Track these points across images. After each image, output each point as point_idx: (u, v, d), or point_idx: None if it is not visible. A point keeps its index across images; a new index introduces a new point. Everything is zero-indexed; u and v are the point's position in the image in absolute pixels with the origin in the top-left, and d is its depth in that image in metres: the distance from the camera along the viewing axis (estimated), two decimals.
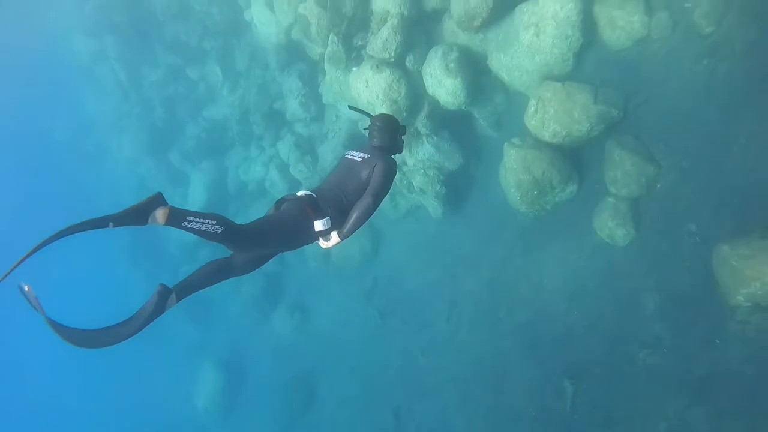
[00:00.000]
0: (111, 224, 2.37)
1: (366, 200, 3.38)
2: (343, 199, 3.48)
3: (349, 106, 4.52)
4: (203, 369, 15.62)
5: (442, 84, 9.13)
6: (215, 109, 15.70)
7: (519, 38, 8.30)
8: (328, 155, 11.99)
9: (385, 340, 11.15)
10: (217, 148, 15.77)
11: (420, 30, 9.70)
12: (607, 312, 7.50)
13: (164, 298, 2.84)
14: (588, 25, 7.80)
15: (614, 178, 7.36)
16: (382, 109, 9.44)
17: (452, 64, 8.97)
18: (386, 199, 10.26)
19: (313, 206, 3.32)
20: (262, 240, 3.16)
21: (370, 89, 9.56)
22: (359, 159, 3.64)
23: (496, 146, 9.08)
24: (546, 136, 7.96)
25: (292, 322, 13.79)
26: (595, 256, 7.83)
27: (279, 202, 3.43)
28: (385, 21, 9.39)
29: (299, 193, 3.43)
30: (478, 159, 9.84)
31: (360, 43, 10.08)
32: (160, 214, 2.51)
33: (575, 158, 8.09)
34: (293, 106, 12.56)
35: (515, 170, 8.17)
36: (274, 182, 13.75)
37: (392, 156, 3.77)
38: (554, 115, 7.80)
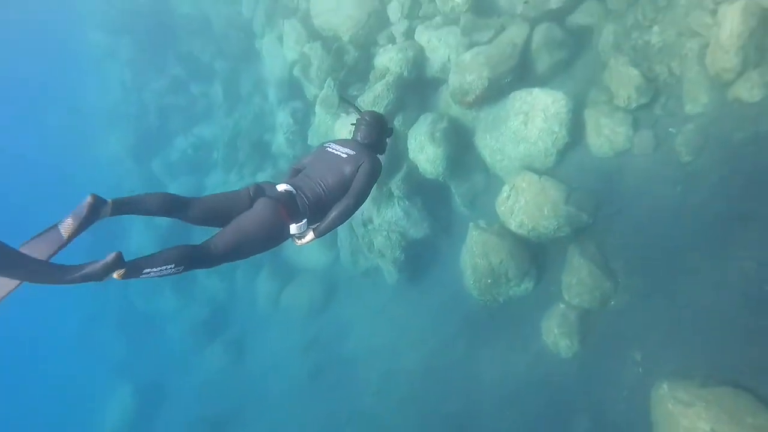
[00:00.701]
0: (69, 278, 2.29)
1: (347, 201, 3.21)
2: (323, 195, 3.26)
3: (341, 95, 4.25)
4: (119, 390, 14.61)
5: (424, 150, 8.98)
6: (207, 128, 15.63)
7: (507, 123, 8.23)
8: None
9: (310, 401, 10.44)
10: (199, 166, 15.54)
11: (416, 94, 9.67)
12: (538, 423, 6.96)
13: (99, 205, 2.50)
14: (576, 125, 7.75)
15: (569, 284, 7.03)
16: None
17: (438, 134, 8.86)
18: (347, 253, 9.84)
19: (289, 208, 3.09)
20: (232, 253, 2.87)
21: None
22: (344, 155, 3.42)
23: (466, 224, 8.80)
24: (512, 225, 7.71)
25: (225, 358, 13.09)
26: (537, 361, 7.36)
27: (256, 190, 3.13)
28: (383, 77, 9.35)
29: (279, 187, 3.19)
30: (445, 234, 9.54)
31: (355, 93, 10.01)
32: (116, 275, 2.39)
33: (537, 255, 7.79)
34: (280, 141, 12.43)
35: (474, 253, 7.86)
36: None
37: (378, 156, 3.58)
38: (524, 206, 7.57)
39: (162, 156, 16.22)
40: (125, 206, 2.65)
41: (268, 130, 13.38)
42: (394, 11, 9.97)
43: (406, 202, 9.53)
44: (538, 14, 8.30)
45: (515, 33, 8.41)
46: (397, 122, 9.51)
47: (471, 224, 8.12)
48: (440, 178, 9.17)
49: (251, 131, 13.70)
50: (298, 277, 12.43)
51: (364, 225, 10.04)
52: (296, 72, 11.28)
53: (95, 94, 19.03)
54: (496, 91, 8.43)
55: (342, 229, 11.04)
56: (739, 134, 6.32)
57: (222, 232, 2.89)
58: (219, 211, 3.03)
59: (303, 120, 11.99)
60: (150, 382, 14.44)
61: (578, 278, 6.87)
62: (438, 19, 9.55)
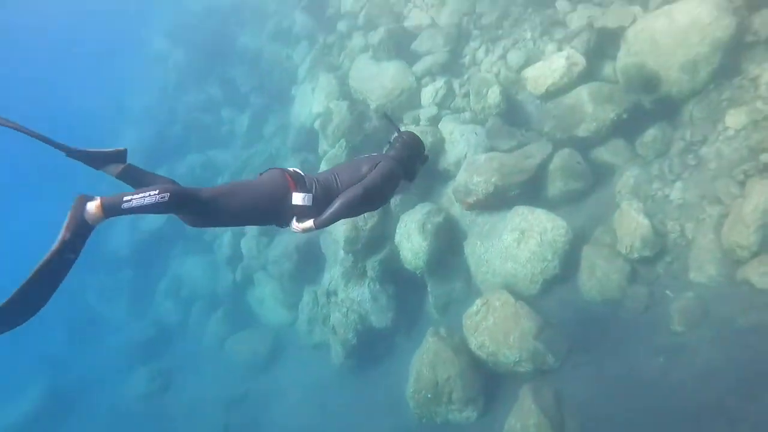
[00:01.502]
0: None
1: (355, 190, 2.89)
2: (334, 186, 3.03)
3: (385, 113, 3.89)
4: (33, 386, 13.53)
5: (411, 239, 8.44)
6: (222, 153, 15.52)
7: (502, 236, 7.67)
8: (280, 246, 11.18)
9: None
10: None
11: (422, 179, 9.21)
12: None
13: (118, 157, 2.73)
14: (570, 259, 7.14)
15: (513, 427, 6.10)
16: (342, 229, 8.76)
17: (430, 226, 8.36)
18: (305, 319, 9.04)
19: (296, 179, 2.91)
20: (226, 204, 2.69)
21: None
22: (365, 156, 3.27)
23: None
24: (473, 343, 6.94)
25: (147, 387, 12.04)
26: None
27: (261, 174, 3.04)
28: None
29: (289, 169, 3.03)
30: (406, 331, 8.76)
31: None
32: (93, 210, 2.29)
33: (489, 384, 6.92)
34: None
35: (423, 360, 7.06)
36: (222, 244, 13.02)
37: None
38: (491, 326, 6.83)
39: (170, 165, 16.01)
40: (133, 173, 2.73)
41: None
42: (427, 95, 9.80)
43: (377, 286, 8.85)
44: (564, 138, 7.95)
45: (536, 150, 8.05)
46: (393, 202, 9.04)
47: (430, 329, 7.37)
48: (418, 272, 8.55)
49: (260, 169, 13.43)
50: (251, 327, 11.61)
51: (328, 295, 9.34)
52: (316, 125, 11.10)
53: (135, 90, 19.43)
54: (499, 201, 7.95)
55: (307, 293, 10.35)
56: (741, 320, 5.62)
57: (222, 184, 2.81)
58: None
59: (308, 172, 11.63)
60: (65, 387, 13.38)
61: (523, 425, 5.95)
62: (467, 114, 9.32)
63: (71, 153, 2.51)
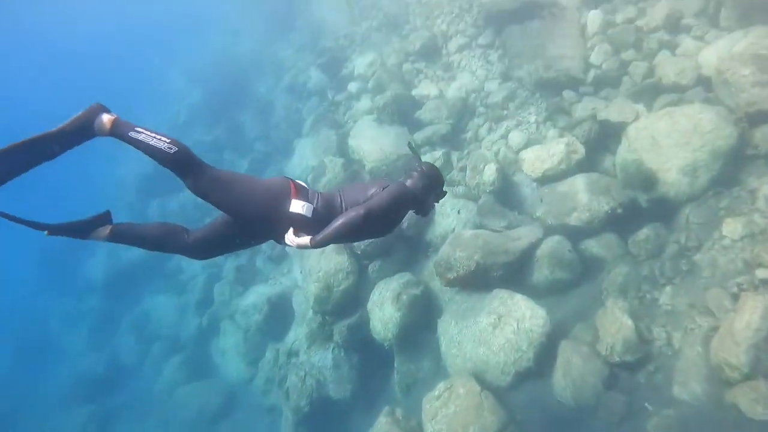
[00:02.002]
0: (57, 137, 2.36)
1: (357, 210, 2.62)
2: (338, 203, 2.87)
3: (409, 143, 3.50)
4: None
5: (383, 308, 7.97)
6: None
7: (478, 319, 7.20)
8: (252, 296, 10.70)
9: None
10: (187, 224, 14.89)
11: (406, 247, 8.94)
12: None
13: (102, 221, 2.63)
14: (546, 354, 6.59)
15: None
16: (313, 287, 8.34)
17: (405, 297, 7.92)
18: (263, 379, 8.40)
19: (299, 188, 2.82)
20: (226, 187, 2.65)
21: (319, 260, 8.55)
22: (376, 179, 3.18)
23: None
24: (428, 430, 6.27)
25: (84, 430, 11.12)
26: None
27: None
28: None
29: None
30: (364, 407, 8.07)
31: None
32: (105, 120, 2.40)
33: None
34: None
35: None
36: (196, 285, 12.54)
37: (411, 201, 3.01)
38: (451, 415, 6.22)
39: (163, 199, 15.83)
40: (124, 231, 2.71)
41: None
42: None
43: (342, 353, 8.28)
44: (556, 224, 7.63)
45: (525, 233, 7.73)
46: (372, 267, 8.66)
47: (386, 408, 6.74)
48: (387, 345, 8.00)
49: None
50: (207, 378, 10.87)
51: (289, 355, 8.73)
52: (309, 178, 10.92)
53: (148, 118, 19.54)
54: (480, 280, 7.51)
55: (270, 350, 9.73)
56: None
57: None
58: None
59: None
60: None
61: None
62: (461, 188, 9.08)
63: (52, 230, 2.44)
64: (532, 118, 9.28)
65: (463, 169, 9.28)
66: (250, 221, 2.77)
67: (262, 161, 14.92)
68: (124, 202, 16.95)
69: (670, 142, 7.05)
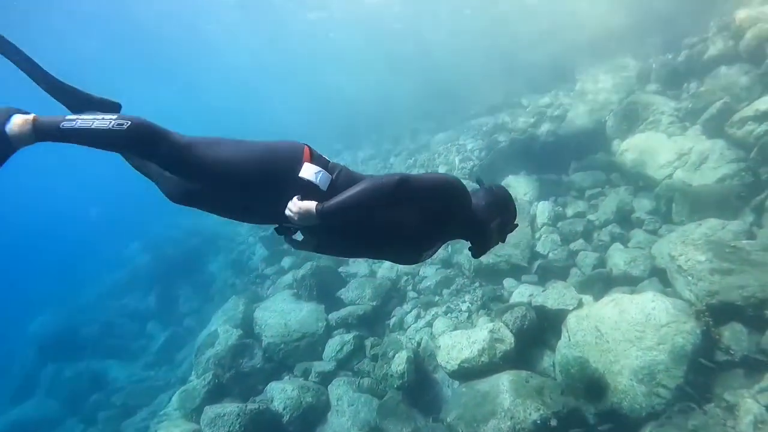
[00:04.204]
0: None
1: (388, 176, 1.98)
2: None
3: (478, 178, 2.61)
4: None
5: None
6: (119, 368, 13.08)
7: None
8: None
9: None
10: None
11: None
12: None
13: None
14: None
15: None
16: None
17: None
18: None
19: (315, 154, 2.20)
20: (205, 151, 2.04)
21: None
22: None
23: None
24: None
25: None
26: None
27: None
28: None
29: None
30: None
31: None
32: (20, 122, 1.84)
33: None
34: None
35: None
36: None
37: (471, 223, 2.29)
38: None
39: (59, 364, 13.48)
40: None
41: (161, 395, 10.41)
42: (331, 348, 7.78)
43: None
44: None
45: None
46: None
47: None
48: None
49: (147, 396, 10.76)
50: None
51: None
52: (204, 348, 8.93)
53: (82, 283, 18.40)
54: None
55: None
56: None
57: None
58: None
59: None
60: None
61: None
62: (366, 381, 7.06)
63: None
64: (465, 306, 7.73)
65: (374, 358, 7.40)
66: (246, 185, 2.10)
67: (183, 338, 13.03)
68: None
69: (618, 336, 5.38)
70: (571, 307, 6.18)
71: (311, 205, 1.97)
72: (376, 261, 9.93)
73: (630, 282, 6.53)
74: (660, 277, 6.27)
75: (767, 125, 6.86)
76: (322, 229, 2.17)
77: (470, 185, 2.32)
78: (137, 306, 15.41)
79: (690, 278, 5.45)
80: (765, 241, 5.64)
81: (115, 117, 1.89)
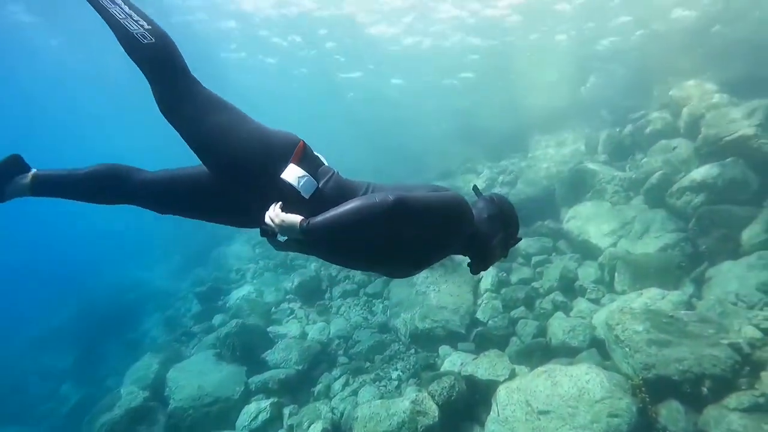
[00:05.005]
0: None
1: (386, 195, 1.70)
2: (361, 194, 1.93)
3: (474, 186, 2.36)
4: None
5: None
6: None
7: None
8: None
9: None
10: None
11: None
12: None
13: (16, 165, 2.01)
14: None
15: None
16: None
17: None
18: None
19: (308, 154, 1.97)
20: (205, 109, 1.89)
21: None
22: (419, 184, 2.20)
23: None
24: None
25: None
26: None
27: None
28: None
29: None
30: None
31: None
32: None
33: None
34: None
35: None
36: None
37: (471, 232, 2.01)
38: None
39: None
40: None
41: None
42: (246, 416, 6.93)
43: None
44: None
45: None
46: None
47: None
48: None
49: None
50: None
51: None
52: (100, 412, 7.89)
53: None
54: None
55: None
56: None
57: None
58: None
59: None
60: None
61: None
62: None
63: None
64: (395, 374, 7.08)
65: (290, 429, 6.59)
66: (225, 171, 1.89)
67: (100, 399, 11.78)
68: None
69: (550, 412, 4.81)
70: (502, 378, 5.63)
71: (295, 219, 1.76)
72: (309, 321, 9.27)
73: (569, 353, 6.06)
74: (599, 349, 5.83)
75: (703, 196, 6.77)
76: (309, 242, 1.88)
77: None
78: (56, 365, 14.06)
79: (627, 349, 5.03)
80: (703, 312, 5.31)
81: (147, 25, 1.89)
